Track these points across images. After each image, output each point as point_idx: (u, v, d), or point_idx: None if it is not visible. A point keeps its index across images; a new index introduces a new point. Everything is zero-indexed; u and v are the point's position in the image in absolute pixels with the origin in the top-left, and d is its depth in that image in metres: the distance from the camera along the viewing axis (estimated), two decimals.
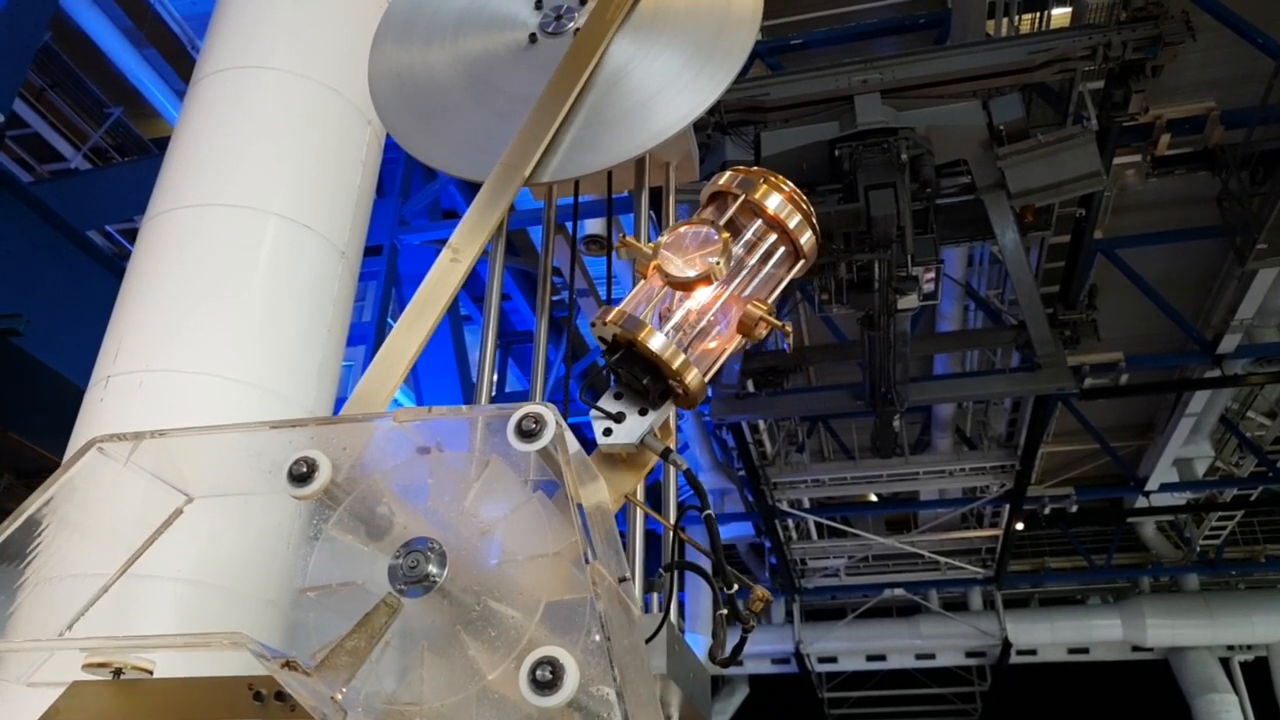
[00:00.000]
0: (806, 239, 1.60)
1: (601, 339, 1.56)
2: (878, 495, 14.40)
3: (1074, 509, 14.24)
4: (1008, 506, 12.53)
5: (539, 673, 1.04)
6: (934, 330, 10.59)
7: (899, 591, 16.46)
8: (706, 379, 1.55)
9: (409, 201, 9.37)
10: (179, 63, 9.96)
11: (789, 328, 1.58)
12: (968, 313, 10.71)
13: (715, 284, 1.53)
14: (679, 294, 1.55)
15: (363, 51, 2.33)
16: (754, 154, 7.02)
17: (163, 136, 10.34)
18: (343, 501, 1.25)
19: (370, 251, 7.41)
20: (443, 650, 1.15)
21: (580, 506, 1.19)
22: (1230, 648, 15.88)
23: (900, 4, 8.71)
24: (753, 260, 1.60)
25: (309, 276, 3.36)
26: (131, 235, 10.40)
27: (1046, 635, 16.22)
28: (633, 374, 1.51)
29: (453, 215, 10.04)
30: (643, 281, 1.59)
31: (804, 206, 1.59)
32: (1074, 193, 6.91)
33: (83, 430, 2.99)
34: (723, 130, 7.05)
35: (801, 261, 1.63)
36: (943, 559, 14.99)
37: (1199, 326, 10.58)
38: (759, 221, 1.59)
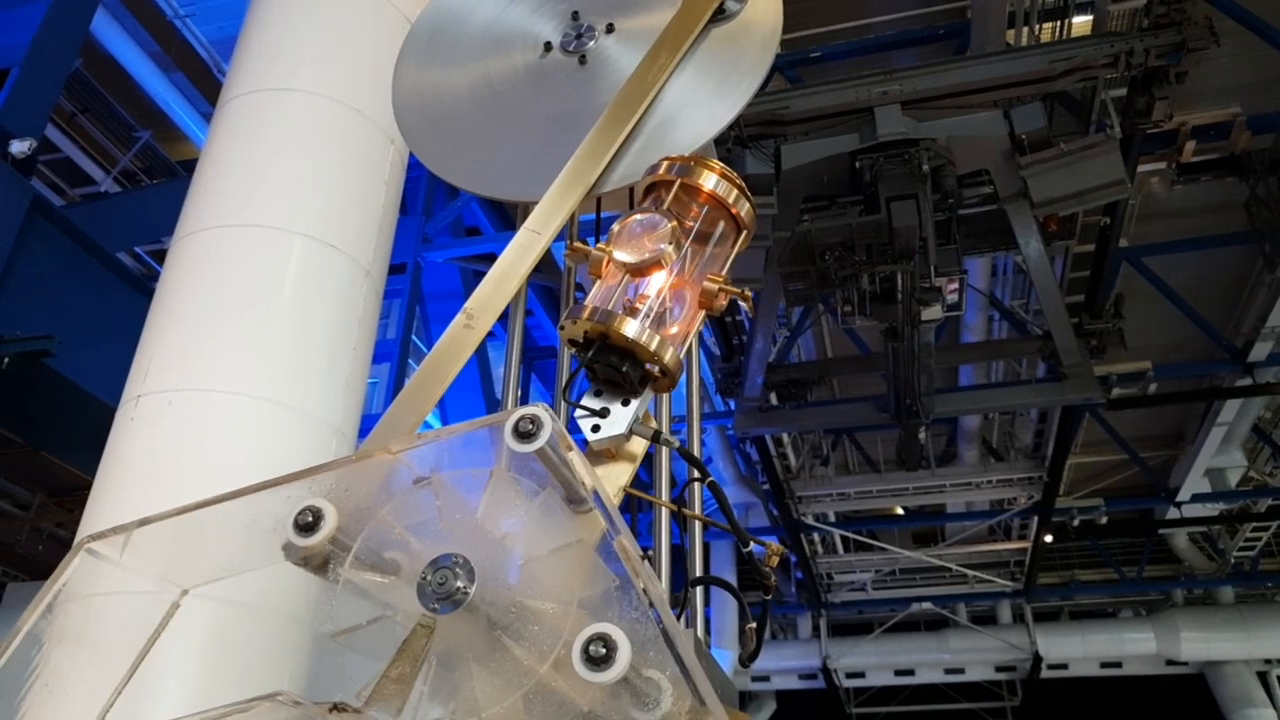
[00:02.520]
0: (745, 210, 1.71)
1: (572, 340, 1.60)
2: (904, 508, 14.29)
3: (1104, 520, 14.03)
4: (1036, 518, 12.40)
5: (592, 649, 1.05)
6: (958, 341, 10.52)
7: (927, 605, 16.29)
8: (680, 357, 1.61)
9: (432, 219, 9.48)
10: (205, 86, 10.13)
11: (748, 292, 1.65)
12: (992, 323, 10.64)
13: (670, 266, 1.61)
14: (639, 283, 1.62)
15: (386, 72, 2.36)
16: (774, 167, 7.02)
17: (190, 159, 10.50)
18: (352, 546, 1.24)
19: (394, 269, 7.46)
20: (487, 658, 1.15)
21: (595, 492, 1.20)
22: (1268, 661, 15.59)
23: (920, 15, 8.71)
24: (700, 238, 1.69)
25: (334, 295, 3.40)
26: (160, 256, 10.55)
27: (1078, 649, 15.98)
28: (610, 364, 1.55)
29: (475, 232, 10.12)
30: (599, 281, 1.65)
31: (737, 182, 1.70)
32: (1098, 201, 6.86)
33: (114, 449, 3.04)
34: (743, 144, 7.05)
35: (744, 232, 1.73)
36: (971, 572, 14.85)
37: (1228, 334, 10.43)
38: (698, 203, 1.70)
